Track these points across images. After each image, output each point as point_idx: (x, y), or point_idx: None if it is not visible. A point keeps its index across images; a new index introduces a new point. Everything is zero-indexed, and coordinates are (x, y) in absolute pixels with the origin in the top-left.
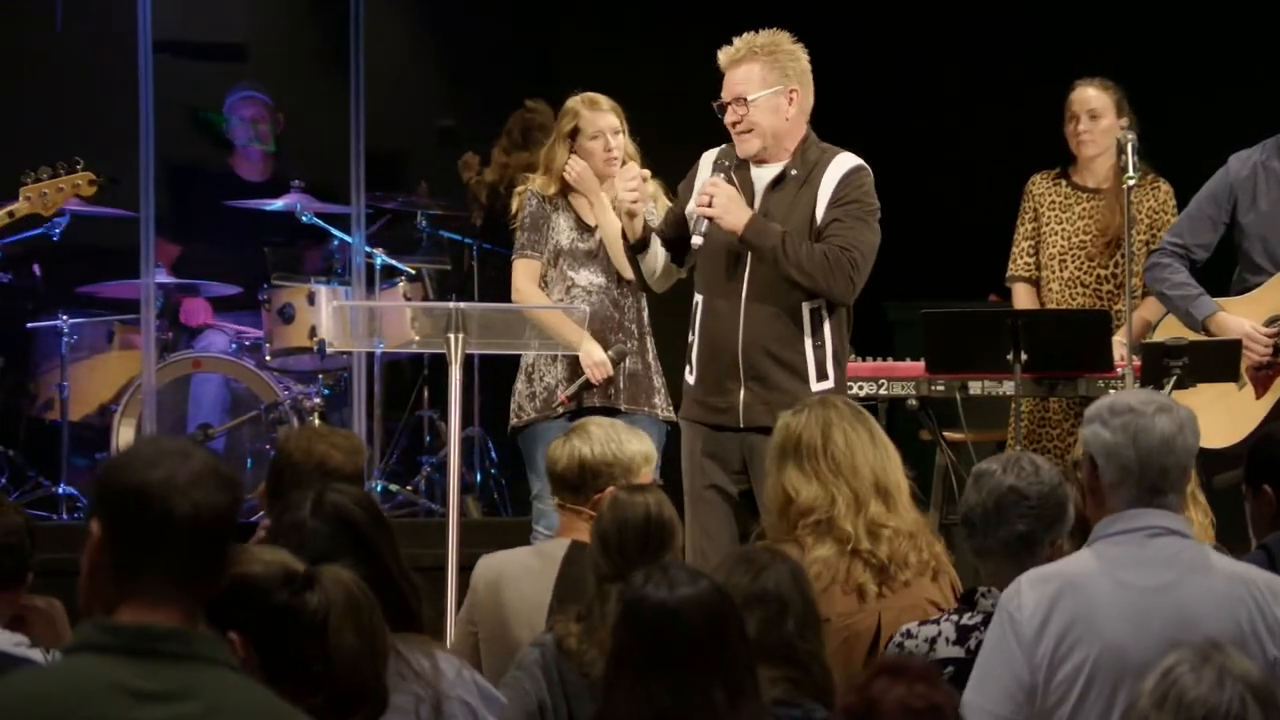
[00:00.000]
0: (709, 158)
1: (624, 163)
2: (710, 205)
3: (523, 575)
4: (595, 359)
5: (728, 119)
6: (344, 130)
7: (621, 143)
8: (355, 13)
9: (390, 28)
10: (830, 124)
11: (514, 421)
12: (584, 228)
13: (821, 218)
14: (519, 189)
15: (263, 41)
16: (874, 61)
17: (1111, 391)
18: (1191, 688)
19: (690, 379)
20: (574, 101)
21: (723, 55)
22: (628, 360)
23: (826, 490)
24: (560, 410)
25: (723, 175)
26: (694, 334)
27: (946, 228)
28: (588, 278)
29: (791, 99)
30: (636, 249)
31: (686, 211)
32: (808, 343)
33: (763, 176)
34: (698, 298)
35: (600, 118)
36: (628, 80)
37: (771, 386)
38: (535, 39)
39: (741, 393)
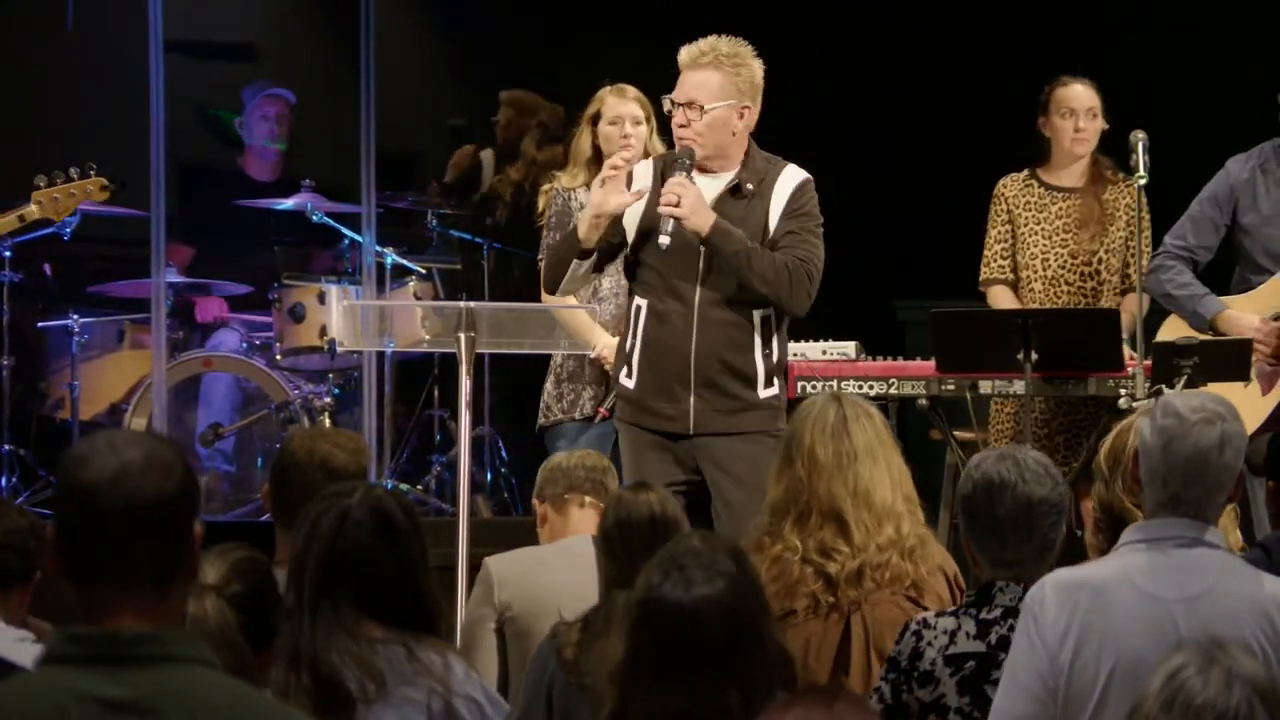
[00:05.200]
0: (646, 165)
1: (647, 154)
2: (678, 205)
3: (546, 568)
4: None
5: (675, 119)
6: (354, 129)
7: (643, 133)
8: (365, 12)
9: (400, 27)
10: (843, 122)
11: (540, 421)
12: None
13: (775, 229)
14: (545, 187)
15: (273, 41)
16: (886, 60)
17: (1122, 391)
18: (1199, 691)
19: (628, 382)
20: (604, 89)
21: (685, 54)
22: None
23: (785, 497)
24: (592, 415)
25: (684, 175)
26: (634, 337)
27: (956, 227)
28: (613, 281)
29: (743, 115)
30: (582, 255)
31: (625, 220)
32: (758, 351)
33: (712, 186)
34: (639, 301)
35: (622, 104)
36: (638, 80)
37: (722, 393)
38: (546, 37)
39: (692, 399)
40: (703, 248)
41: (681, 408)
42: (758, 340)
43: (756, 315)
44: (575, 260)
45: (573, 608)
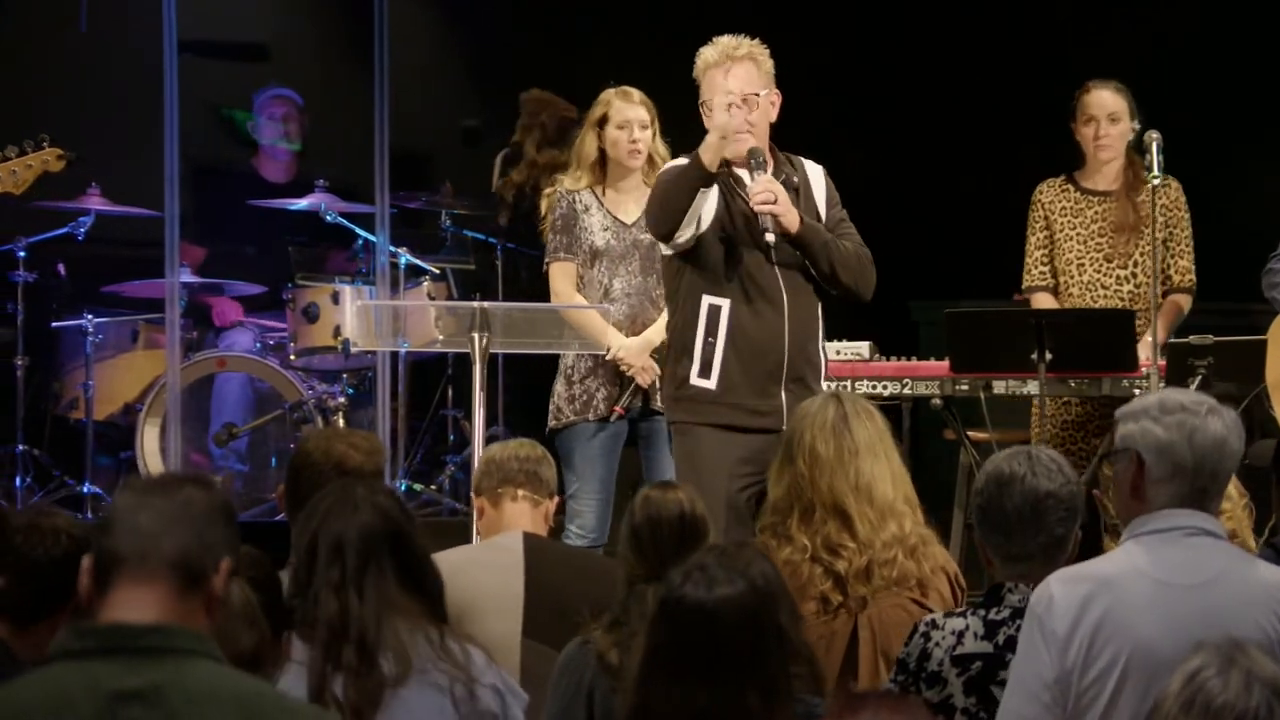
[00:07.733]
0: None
1: (649, 159)
2: (775, 202)
3: (472, 569)
4: (640, 364)
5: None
6: (368, 130)
7: (647, 137)
8: (379, 12)
9: (414, 27)
10: (853, 123)
11: (552, 423)
12: (619, 225)
13: (826, 219)
14: (547, 190)
15: (286, 41)
16: (901, 59)
17: (1137, 391)
18: (1219, 692)
19: (711, 384)
20: (608, 91)
21: (715, 52)
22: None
23: (788, 495)
24: (606, 415)
25: (765, 175)
26: (713, 337)
27: (971, 228)
28: (624, 282)
29: (774, 103)
30: (706, 183)
31: (703, 214)
32: (821, 344)
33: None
34: (715, 301)
35: (629, 108)
36: (652, 82)
37: (804, 386)
38: (559, 39)
39: (783, 395)
40: (771, 243)
41: (774, 404)
42: (821, 333)
43: (819, 308)
44: (700, 191)
45: (498, 612)
